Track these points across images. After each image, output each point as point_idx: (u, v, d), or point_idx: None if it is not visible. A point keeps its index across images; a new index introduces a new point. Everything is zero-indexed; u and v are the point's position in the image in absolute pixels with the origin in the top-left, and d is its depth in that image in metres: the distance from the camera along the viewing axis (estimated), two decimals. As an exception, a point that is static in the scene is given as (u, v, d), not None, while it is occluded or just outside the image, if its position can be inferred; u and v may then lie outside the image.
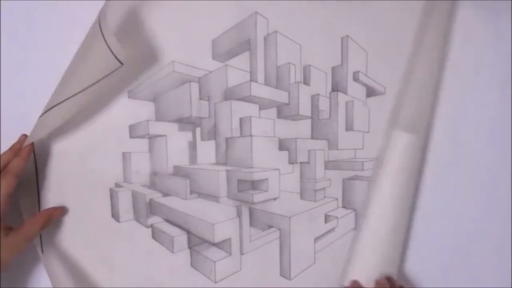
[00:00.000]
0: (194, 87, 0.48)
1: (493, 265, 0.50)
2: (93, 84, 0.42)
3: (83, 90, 0.42)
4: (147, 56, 0.47)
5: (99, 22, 0.42)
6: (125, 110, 0.47)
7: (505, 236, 0.50)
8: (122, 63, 0.42)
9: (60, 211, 0.46)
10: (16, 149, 0.45)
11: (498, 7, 0.48)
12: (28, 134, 0.46)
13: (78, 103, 0.43)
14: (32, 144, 0.45)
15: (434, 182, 0.50)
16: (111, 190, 0.48)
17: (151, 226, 0.49)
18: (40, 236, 0.47)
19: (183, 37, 0.47)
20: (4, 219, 0.42)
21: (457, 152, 0.50)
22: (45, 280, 0.47)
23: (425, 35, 0.47)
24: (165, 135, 0.49)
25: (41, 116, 0.44)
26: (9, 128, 0.49)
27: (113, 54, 0.41)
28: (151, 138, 0.49)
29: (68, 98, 0.42)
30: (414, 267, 0.51)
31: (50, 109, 0.43)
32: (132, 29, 0.46)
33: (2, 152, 0.45)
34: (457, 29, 0.48)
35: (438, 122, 0.49)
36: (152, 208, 0.49)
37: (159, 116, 0.48)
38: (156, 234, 0.49)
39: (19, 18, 0.48)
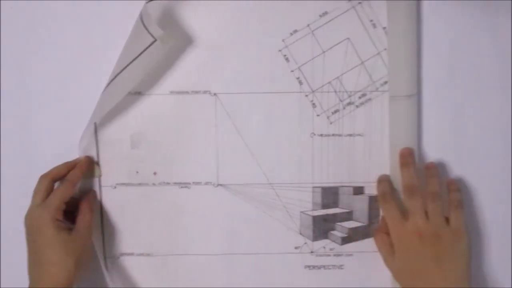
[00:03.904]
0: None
1: (493, 265, 0.50)
2: (131, 62, 0.44)
3: (122, 70, 0.44)
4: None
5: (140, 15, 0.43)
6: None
7: (505, 236, 0.50)
8: (155, 38, 0.43)
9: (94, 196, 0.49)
10: (68, 166, 0.48)
11: (497, 7, 0.48)
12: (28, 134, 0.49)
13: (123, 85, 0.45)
14: (89, 157, 0.49)
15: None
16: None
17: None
18: (104, 254, 0.50)
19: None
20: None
21: (457, 153, 0.49)
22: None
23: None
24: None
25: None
26: (9, 128, 0.50)
27: (145, 28, 0.43)
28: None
29: (112, 80, 0.45)
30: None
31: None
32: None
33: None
34: (456, 29, 0.48)
35: (437, 122, 0.49)
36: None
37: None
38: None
39: (19, 18, 0.48)
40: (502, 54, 0.48)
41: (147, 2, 0.43)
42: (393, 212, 0.46)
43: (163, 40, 0.43)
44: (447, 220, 0.45)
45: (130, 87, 0.46)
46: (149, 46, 0.43)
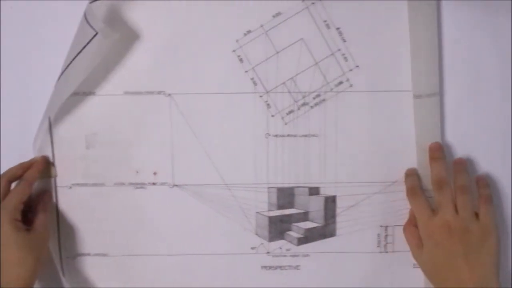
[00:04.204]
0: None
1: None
2: (75, 57, 0.44)
3: (68, 65, 0.45)
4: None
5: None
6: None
7: (505, 236, 0.50)
8: (96, 31, 0.43)
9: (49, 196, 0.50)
10: (24, 166, 0.48)
11: (497, 7, 0.48)
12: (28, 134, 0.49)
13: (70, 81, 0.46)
14: (45, 157, 0.49)
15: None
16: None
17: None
18: (60, 254, 0.50)
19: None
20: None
21: (456, 153, 0.49)
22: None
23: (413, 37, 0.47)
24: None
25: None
26: (9, 128, 0.50)
27: (88, 23, 0.43)
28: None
29: (60, 76, 0.46)
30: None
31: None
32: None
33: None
34: (456, 29, 0.48)
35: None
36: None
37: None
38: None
39: (19, 18, 0.49)
40: (502, 54, 0.48)
41: (90, 2, 0.43)
42: (422, 206, 0.46)
43: (105, 33, 0.43)
44: (476, 215, 0.45)
45: (77, 82, 0.46)
46: (91, 39, 0.43)
